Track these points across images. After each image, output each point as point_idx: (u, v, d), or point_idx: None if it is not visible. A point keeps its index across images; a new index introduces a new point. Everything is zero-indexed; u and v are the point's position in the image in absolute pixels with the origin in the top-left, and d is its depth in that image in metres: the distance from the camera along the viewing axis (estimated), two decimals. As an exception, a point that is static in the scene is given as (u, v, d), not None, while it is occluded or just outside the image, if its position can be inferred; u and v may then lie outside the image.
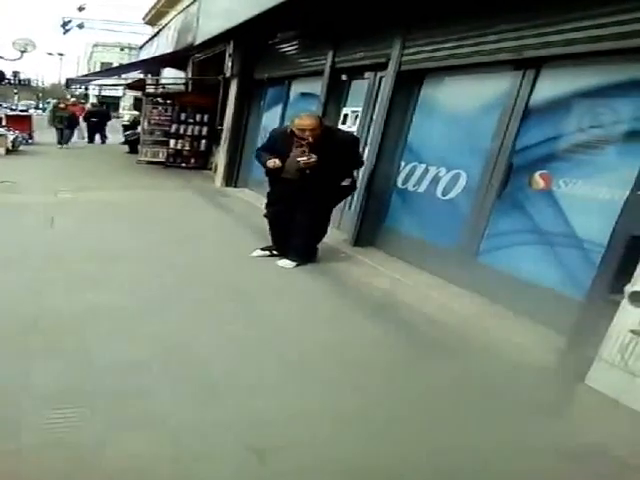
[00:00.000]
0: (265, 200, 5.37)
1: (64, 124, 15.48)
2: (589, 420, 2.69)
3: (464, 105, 4.88)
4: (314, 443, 2.31)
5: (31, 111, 26.67)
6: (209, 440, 2.25)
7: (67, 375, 2.66)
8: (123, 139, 17.72)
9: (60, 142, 15.45)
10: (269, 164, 4.86)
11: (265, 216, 5.30)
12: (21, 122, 15.63)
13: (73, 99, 18.50)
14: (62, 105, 16.31)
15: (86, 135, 18.29)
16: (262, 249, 5.28)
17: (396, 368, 3.13)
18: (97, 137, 18.72)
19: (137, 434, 2.25)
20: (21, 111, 23.01)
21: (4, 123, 15.12)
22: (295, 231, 4.98)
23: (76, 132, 17.12)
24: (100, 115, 18.86)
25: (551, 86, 4.02)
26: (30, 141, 15.27)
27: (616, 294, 2.87)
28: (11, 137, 13.01)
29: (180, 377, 2.76)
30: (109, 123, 20.08)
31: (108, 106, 23.56)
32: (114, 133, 20.03)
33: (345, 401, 2.68)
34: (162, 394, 2.58)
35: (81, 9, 26.03)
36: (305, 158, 4.61)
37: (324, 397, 2.70)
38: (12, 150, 12.77)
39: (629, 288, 2.73)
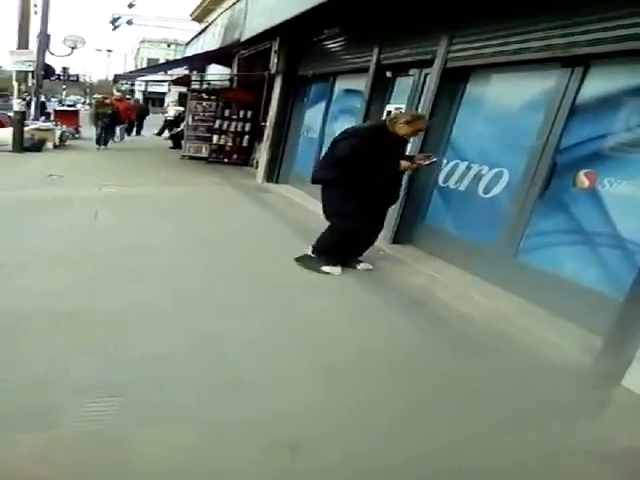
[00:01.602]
0: (334, 208, 4.76)
1: (105, 122, 13.93)
2: (626, 423, 2.66)
3: (509, 103, 4.86)
4: (343, 441, 2.33)
5: (79, 106, 27.53)
6: (239, 435, 2.30)
7: (101, 368, 2.76)
8: (168, 134, 18.18)
9: (98, 142, 13.92)
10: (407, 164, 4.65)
11: (343, 230, 4.73)
12: (69, 117, 16.16)
13: (118, 94, 18.16)
14: (107, 100, 15.04)
15: (120, 134, 16.69)
16: (331, 265, 4.79)
17: (430, 366, 3.15)
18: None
19: (168, 427, 2.33)
20: (69, 106, 23.71)
21: (52, 118, 15.64)
22: (374, 234, 5.02)
23: (117, 131, 16.06)
24: (140, 111, 19.59)
25: (599, 84, 3.98)
26: (77, 135, 15.73)
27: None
28: (59, 132, 13.44)
29: (211, 372, 2.83)
30: (147, 118, 20.90)
31: (147, 102, 24.13)
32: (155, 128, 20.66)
33: (377, 398, 2.71)
34: (191, 388, 2.65)
35: (131, 6, 26.59)
36: (430, 161, 4.73)
37: (355, 394, 2.73)
38: (60, 144, 13.21)
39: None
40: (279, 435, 2.31)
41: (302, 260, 4.85)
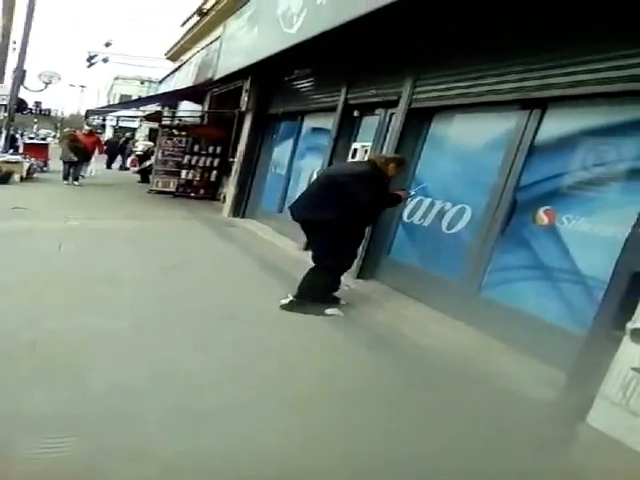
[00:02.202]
0: (329, 248, 4.58)
1: (77, 157, 13.08)
2: (591, 460, 2.62)
3: (471, 142, 4.99)
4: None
5: (49, 139, 27.28)
6: (205, 470, 2.25)
7: (60, 400, 2.66)
8: (136, 169, 18.14)
9: (67, 177, 13.12)
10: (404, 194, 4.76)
11: (337, 269, 4.70)
12: (38, 150, 15.89)
13: (87, 128, 17.36)
14: (78, 135, 14.37)
15: (90, 169, 15.68)
16: (334, 306, 4.71)
17: (394, 399, 3.11)
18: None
19: (128, 464, 2.24)
20: (41, 139, 23.51)
21: (21, 151, 15.42)
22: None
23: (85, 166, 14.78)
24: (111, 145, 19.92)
25: (556, 125, 4.13)
26: (45, 169, 15.47)
27: (618, 331, 2.86)
28: (27, 165, 13.20)
29: (173, 404, 2.75)
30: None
31: (118, 137, 24.10)
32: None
33: (343, 431, 2.67)
34: (153, 422, 2.58)
35: (108, 45, 26.87)
36: (411, 194, 5.00)
37: (322, 429, 2.69)
38: (27, 177, 12.97)
39: (630, 325, 2.72)
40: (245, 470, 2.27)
41: (292, 307, 4.55)
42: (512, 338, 3.92)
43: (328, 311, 4.58)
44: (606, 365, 2.82)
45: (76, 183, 13.11)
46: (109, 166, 20.04)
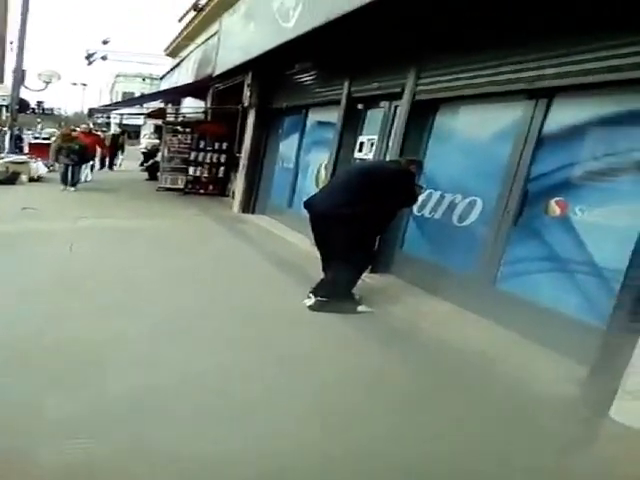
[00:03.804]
0: (356, 243, 4.51)
1: (72, 159, 11.72)
2: (618, 454, 2.60)
3: (478, 133, 4.94)
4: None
5: (54, 138, 27.22)
6: (227, 472, 2.25)
7: (83, 402, 2.68)
8: (143, 166, 18.08)
9: (65, 181, 11.78)
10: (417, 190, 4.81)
11: (366, 263, 4.84)
12: (43, 150, 15.90)
13: (84, 126, 15.63)
14: (75, 133, 13.19)
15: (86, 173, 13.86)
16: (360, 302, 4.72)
17: (412, 396, 3.10)
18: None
19: (153, 465, 2.26)
20: (44, 139, 23.46)
21: (27, 151, 15.40)
22: None
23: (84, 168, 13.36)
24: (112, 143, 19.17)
25: (564, 115, 4.07)
26: (52, 168, 15.46)
27: (637, 323, 2.84)
28: (34, 165, 13.18)
29: (196, 406, 2.76)
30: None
31: (123, 133, 23.62)
32: (135, 160, 20.43)
33: (361, 430, 2.67)
34: (177, 423, 2.59)
35: (105, 42, 26.72)
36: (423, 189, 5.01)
37: (342, 427, 2.69)
38: (35, 178, 12.95)
39: (650, 317, 2.71)
40: (269, 467, 2.28)
41: (322, 307, 4.49)
42: (530, 331, 3.90)
43: (359, 308, 4.58)
44: (627, 358, 2.81)
45: (72, 189, 11.73)
46: (110, 166, 18.95)
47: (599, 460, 2.55)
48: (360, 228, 4.43)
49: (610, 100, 3.75)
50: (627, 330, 2.92)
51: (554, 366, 3.52)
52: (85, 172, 13.50)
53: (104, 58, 27.37)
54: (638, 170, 3.53)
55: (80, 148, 11.97)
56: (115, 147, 19.28)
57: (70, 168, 11.78)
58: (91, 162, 13.96)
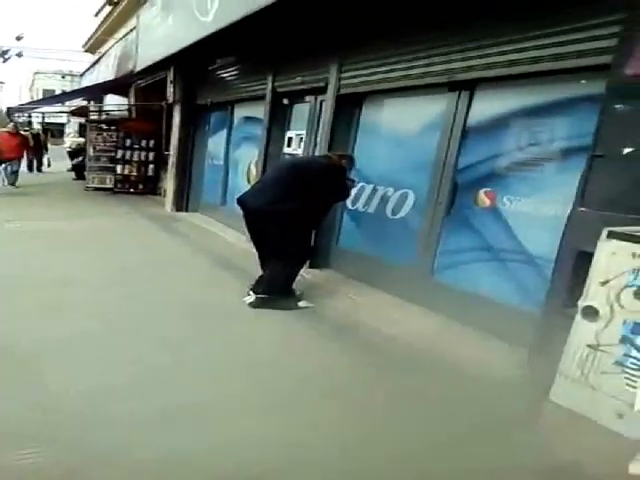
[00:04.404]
0: (294, 238, 4.49)
1: None
2: (559, 436, 2.66)
3: (405, 126, 4.90)
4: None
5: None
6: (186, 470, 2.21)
7: (30, 407, 2.59)
8: (70, 166, 17.28)
9: None
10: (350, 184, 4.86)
11: (303, 259, 4.77)
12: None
13: (10, 125, 13.48)
14: None
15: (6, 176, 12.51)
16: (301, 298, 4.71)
17: (361, 389, 3.10)
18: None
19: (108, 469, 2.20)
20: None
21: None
22: None
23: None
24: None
25: (487, 106, 4.08)
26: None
27: (570, 308, 2.88)
28: None
29: (146, 404, 2.70)
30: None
31: (46, 133, 22.24)
32: (60, 160, 19.51)
33: (312, 422, 2.67)
34: (126, 422, 2.52)
35: (19, 38, 25.45)
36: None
37: (291, 419, 2.69)
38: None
39: (581, 303, 2.75)
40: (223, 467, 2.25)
41: (263, 303, 4.44)
42: (469, 319, 3.96)
43: (300, 304, 4.57)
44: (562, 343, 2.85)
45: None
46: (39, 168, 17.85)
47: (536, 442, 2.60)
48: (294, 223, 4.38)
49: (530, 91, 3.77)
50: (561, 315, 2.98)
51: (493, 351, 3.59)
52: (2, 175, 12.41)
53: (19, 55, 26.04)
54: (561, 159, 3.59)
55: None
56: (38, 147, 18.13)
57: None
58: (10, 164, 12.25)
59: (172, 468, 2.22)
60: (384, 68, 4.75)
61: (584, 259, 2.83)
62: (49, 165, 18.45)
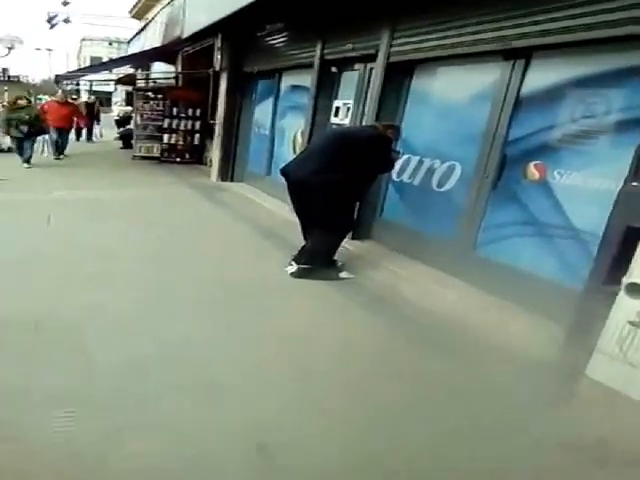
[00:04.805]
0: (338, 209, 4.56)
1: (20, 130, 10.17)
2: (592, 413, 2.66)
3: (456, 96, 4.82)
4: (315, 441, 2.35)
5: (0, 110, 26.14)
6: (215, 440, 2.28)
7: (69, 377, 2.68)
8: (117, 134, 17.57)
9: (21, 155, 10.47)
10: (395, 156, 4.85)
11: (346, 228, 4.87)
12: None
13: (59, 94, 12.93)
14: (22, 102, 10.79)
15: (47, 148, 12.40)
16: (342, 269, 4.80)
17: (395, 362, 3.16)
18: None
19: (141, 435, 2.28)
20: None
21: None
22: None
23: (43, 143, 12.20)
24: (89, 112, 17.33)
25: (542, 76, 3.97)
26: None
27: (613, 285, 2.85)
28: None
29: (182, 378, 2.78)
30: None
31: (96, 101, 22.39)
32: (108, 128, 19.85)
33: (350, 399, 2.71)
34: (164, 395, 2.60)
35: (65, 3, 25.81)
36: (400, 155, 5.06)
37: (330, 395, 2.73)
38: (4, 149, 12.07)
39: (626, 279, 2.71)
40: (261, 439, 2.31)
41: (306, 274, 4.53)
42: (510, 295, 3.92)
43: (342, 275, 4.65)
44: (603, 320, 2.84)
45: (26, 165, 10.40)
46: (89, 138, 17.57)
47: (570, 418, 2.62)
48: (338, 194, 4.41)
49: (586, 60, 3.66)
50: (603, 292, 2.94)
51: (533, 327, 3.57)
52: (44, 148, 12.28)
53: (66, 21, 26.44)
54: (615, 132, 3.49)
55: (30, 119, 10.35)
56: (91, 116, 18.19)
57: (21, 142, 10.41)
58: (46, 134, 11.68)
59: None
60: (436, 35, 4.66)
61: (632, 235, 2.79)
62: (101, 136, 18.74)
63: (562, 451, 2.37)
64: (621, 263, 2.82)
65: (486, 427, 2.54)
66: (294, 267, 4.57)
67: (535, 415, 2.62)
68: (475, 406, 2.71)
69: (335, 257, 4.80)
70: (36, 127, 10.49)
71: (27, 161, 10.46)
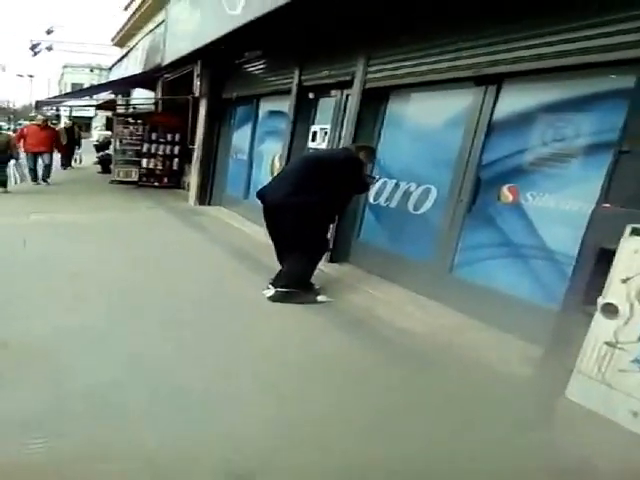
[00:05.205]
0: (313, 231, 4.56)
1: None
2: (573, 434, 2.65)
3: (430, 121, 4.91)
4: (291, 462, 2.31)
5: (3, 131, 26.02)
6: (187, 459, 2.25)
7: (41, 399, 2.62)
8: (96, 159, 17.46)
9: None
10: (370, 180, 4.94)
11: (322, 251, 4.82)
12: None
13: (39, 118, 12.65)
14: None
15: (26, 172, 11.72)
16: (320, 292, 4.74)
17: (378, 383, 3.13)
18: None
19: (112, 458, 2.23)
20: (-5, 131, 22.11)
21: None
22: None
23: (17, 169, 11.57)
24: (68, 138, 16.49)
25: (513, 101, 4.07)
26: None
27: (589, 305, 2.87)
28: None
29: (154, 395, 2.75)
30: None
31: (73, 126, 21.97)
32: (87, 153, 19.69)
33: (328, 416, 2.70)
34: (136, 414, 2.56)
35: (49, 32, 25.89)
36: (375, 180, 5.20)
37: (307, 413, 2.72)
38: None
39: (601, 300, 2.74)
40: (232, 458, 2.28)
41: (283, 298, 4.48)
42: (487, 316, 3.95)
43: (319, 298, 4.60)
44: (580, 340, 2.85)
45: (1, 190, 10.11)
46: (69, 163, 16.89)
47: (550, 439, 2.61)
48: (311, 216, 4.42)
49: (557, 86, 3.76)
50: (580, 313, 2.96)
51: (512, 349, 3.59)
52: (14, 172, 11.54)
53: (49, 49, 26.46)
54: (585, 155, 3.57)
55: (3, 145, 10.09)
56: (72, 142, 17.08)
57: None
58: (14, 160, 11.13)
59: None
60: (411, 62, 4.76)
61: (605, 256, 2.82)
62: (80, 161, 18.52)
63: (544, 474, 2.37)
64: (596, 283, 2.84)
65: (462, 443, 2.52)
66: (271, 291, 4.54)
67: (514, 435, 2.61)
68: (455, 423, 2.70)
69: (312, 280, 4.77)
70: (5, 153, 10.23)
71: (2, 185, 10.21)
